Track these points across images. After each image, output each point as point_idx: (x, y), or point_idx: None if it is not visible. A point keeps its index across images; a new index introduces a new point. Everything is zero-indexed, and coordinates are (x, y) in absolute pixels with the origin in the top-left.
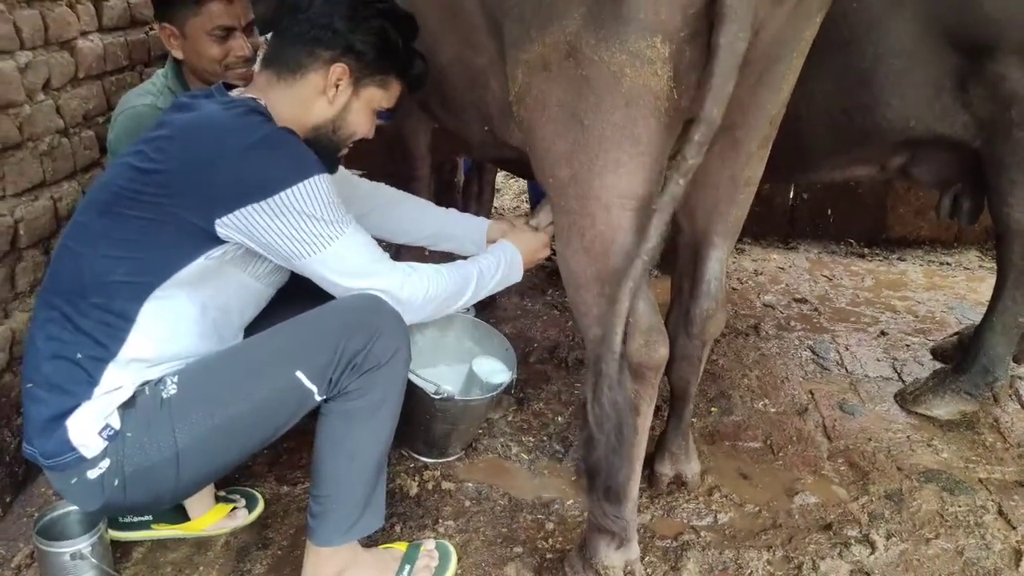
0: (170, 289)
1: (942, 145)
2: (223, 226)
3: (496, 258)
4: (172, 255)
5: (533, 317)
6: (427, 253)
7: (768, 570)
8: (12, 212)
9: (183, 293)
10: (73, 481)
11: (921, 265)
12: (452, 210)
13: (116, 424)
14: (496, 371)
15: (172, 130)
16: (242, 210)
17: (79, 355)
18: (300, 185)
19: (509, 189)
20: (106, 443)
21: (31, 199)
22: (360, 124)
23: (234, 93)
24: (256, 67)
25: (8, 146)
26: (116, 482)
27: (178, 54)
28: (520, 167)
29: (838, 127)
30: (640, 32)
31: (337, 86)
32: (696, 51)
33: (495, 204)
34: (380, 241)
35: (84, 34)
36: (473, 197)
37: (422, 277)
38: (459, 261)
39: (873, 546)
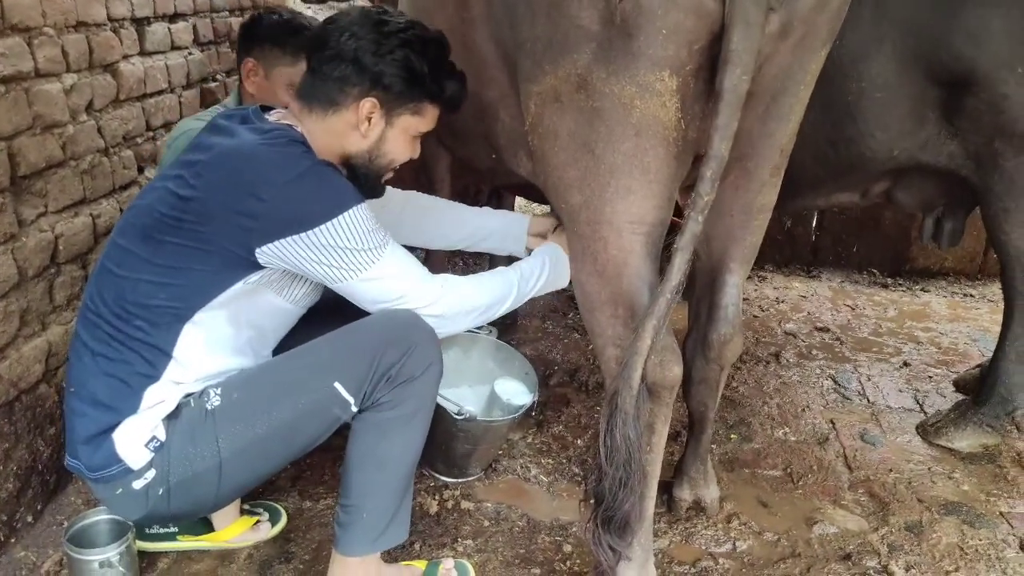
0: (209, 312)
1: (925, 171)
2: (263, 254)
3: (540, 260)
4: (212, 281)
5: (554, 340)
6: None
7: None
8: (53, 228)
9: (221, 315)
10: (118, 492)
11: (944, 296)
12: (486, 208)
13: (162, 436)
14: (517, 393)
15: (211, 157)
16: (283, 240)
17: (125, 374)
18: (338, 219)
19: (531, 211)
20: (152, 454)
21: (71, 216)
22: (398, 152)
23: (272, 117)
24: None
25: (51, 164)
26: (161, 491)
27: (252, 89)
28: (528, 192)
29: (824, 158)
30: (649, 66)
31: (369, 119)
32: (701, 84)
33: None
34: (412, 249)
35: (126, 57)
36: None
37: (458, 290)
38: (500, 267)
39: None
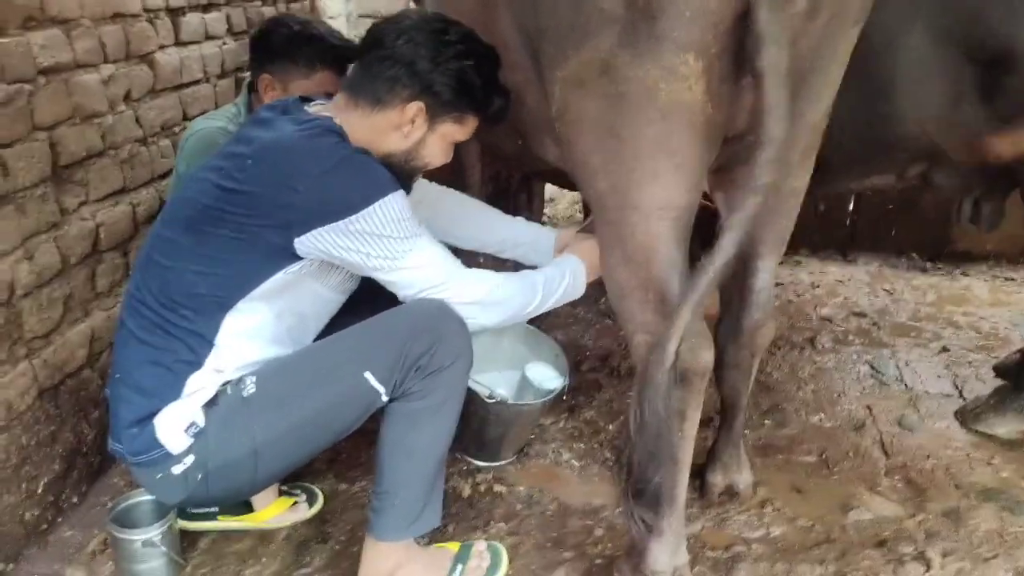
0: (251, 302)
1: None
2: (301, 244)
3: (560, 270)
4: (254, 271)
5: (585, 325)
6: (481, 260)
7: None
8: (94, 216)
9: (263, 304)
10: (159, 476)
11: (985, 280)
12: (519, 218)
13: (201, 422)
14: (548, 377)
15: (253, 150)
16: (320, 230)
17: (169, 361)
18: (374, 206)
19: (563, 198)
20: (191, 440)
21: (112, 204)
22: (434, 156)
23: (312, 109)
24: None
25: (91, 154)
26: (199, 476)
27: (269, 102)
28: (556, 178)
29: (858, 139)
30: (673, 49)
31: (413, 122)
32: (727, 65)
33: (549, 212)
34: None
35: (162, 48)
36: (523, 206)
37: (491, 286)
38: (526, 271)
39: (929, 564)
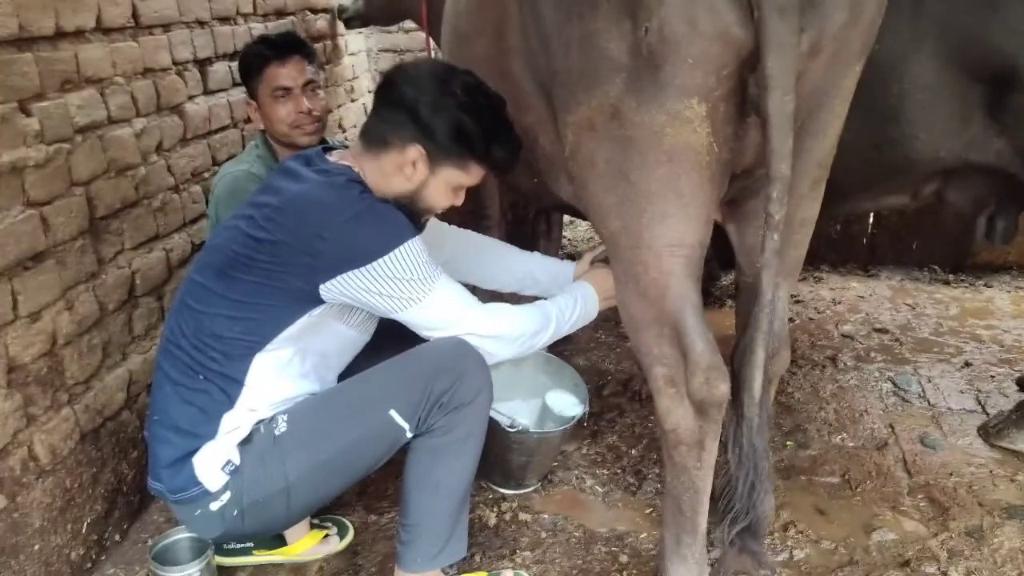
0: (278, 343)
1: (975, 170)
2: (326, 289)
3: (572, 297)
4: (281, 315)
5: (607, 349)
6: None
7: None
8: (130, 264)
9: (289, 344)
10: (197, 513)
11: (1008, 292)
12: (536, 254)
13: (236, 459)
14: (569, 404)
15: (281, 201)
16: (343, 276)
17: (203, 402)
18: (394, 253)
19: (582, 223)
20: (228, 477)
21: (146, 251)
22: (437, 199)
23: (333, 158)
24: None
25: (126, 204)
26: (235, 512)
27: (260, 125)
28: (573, 211)
29: (869, 162)
30: (677, 95)
31: (414, 165)
32: (732, 107)
33: (568, 235)
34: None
35: (191, 98)
36: (542, 234)
37: (506, 319)
38: (539, 301)
39: None
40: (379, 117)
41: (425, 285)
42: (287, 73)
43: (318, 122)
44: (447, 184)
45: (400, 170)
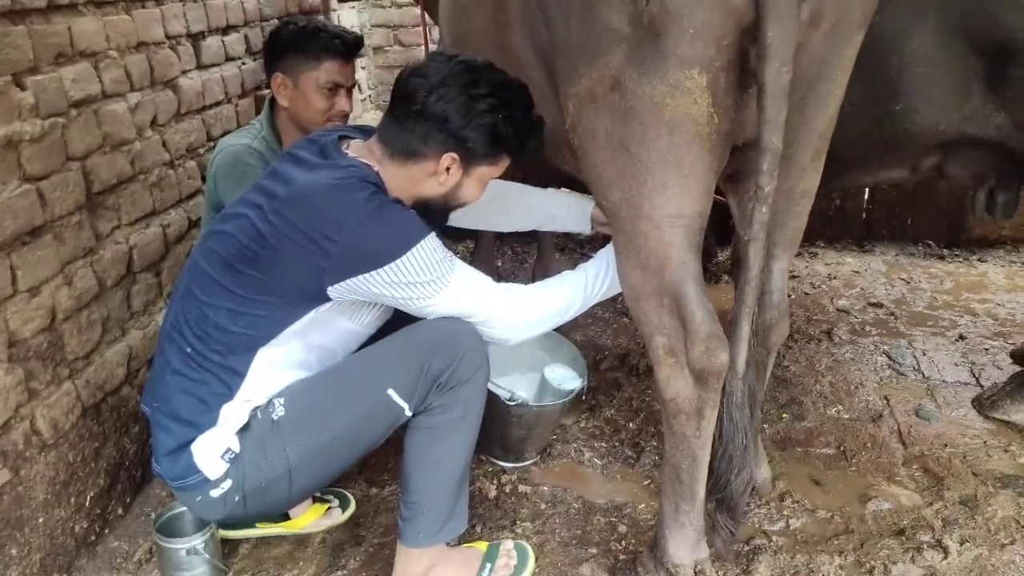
0: (282, 338)
1: (974, 144)
2: (334, 290)
3: (603, 262)
4: (286, 311)
5: (604, 324)
6: (499, 265)
7: (840, 575)
8: (127, 239)
9: (294, 339)
10: (198, 499)
11: (1002, 266)
12: (551, 189)
13: (236, 447)
14: (567, 378)
15: (289, 193)
16: (352, 279)
17: (203, 393)
18: (407, 256)
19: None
20: (227, 465)
21: (143, 227)
22: (471, 195)
23: (350, 151)
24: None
25: (122, 180)
26: (237, 498)
27: (284, 102)
28: (574, 183)
29: (868, 135)
30: (678, 65)
31: (448, 170)
32: (732, 77)
33: None
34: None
35: (185, 72)
36: None
37: (526, 300)
38: (566, 272)
39: (946, 551)
40: (402, 126)
41: (439, 283)
42: (346, 72)
43: (344, 121)
44: (480, 180)
45: (432, 177)
